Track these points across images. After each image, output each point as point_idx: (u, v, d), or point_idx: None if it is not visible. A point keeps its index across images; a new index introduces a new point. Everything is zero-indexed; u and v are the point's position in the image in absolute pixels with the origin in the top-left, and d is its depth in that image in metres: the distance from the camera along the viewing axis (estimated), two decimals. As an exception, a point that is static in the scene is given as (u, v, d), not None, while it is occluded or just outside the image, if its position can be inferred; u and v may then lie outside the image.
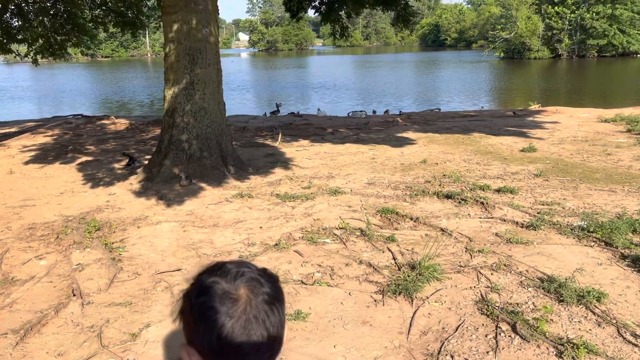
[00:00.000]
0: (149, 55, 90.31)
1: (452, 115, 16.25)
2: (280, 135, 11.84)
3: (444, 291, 3.80)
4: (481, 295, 3.72)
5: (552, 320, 3.34)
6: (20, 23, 14.07)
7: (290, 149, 10.57)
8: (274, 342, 0.92)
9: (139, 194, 7.30)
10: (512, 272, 4.10)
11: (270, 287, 0.93)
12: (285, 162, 9.09)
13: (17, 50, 14.81)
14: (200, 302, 0.90)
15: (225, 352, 0.89)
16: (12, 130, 14.40)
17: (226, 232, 5.59)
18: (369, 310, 3.55)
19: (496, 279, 4.00)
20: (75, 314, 3.70)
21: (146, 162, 8.91)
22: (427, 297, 3.70)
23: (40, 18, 14.06)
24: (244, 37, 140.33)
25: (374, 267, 4.27)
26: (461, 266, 4.26)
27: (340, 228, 5.39)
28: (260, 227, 5.67)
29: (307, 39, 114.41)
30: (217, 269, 0.94)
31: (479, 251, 4.56)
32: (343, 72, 45.02)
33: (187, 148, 7.90)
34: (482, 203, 6.10)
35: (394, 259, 4.47)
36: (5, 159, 10.34)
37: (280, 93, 28.66)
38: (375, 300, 3.68)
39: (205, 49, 7.80)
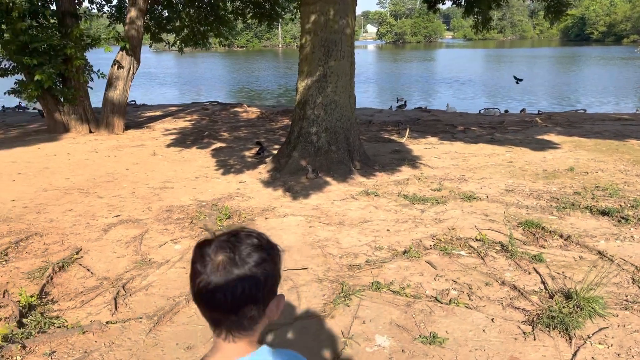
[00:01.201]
0: (280, 46, 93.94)
1: (601, 117, 14.56)
2: (407, 131, 11.42)
3: (609, 331, 3.21)
4: (659, 342, 3.07)
5: None
6: (169, 14, 15.13)
7: (417, 146, 10.12)
8: (234, 304, 1.08)
9: (267, 183, 7.38)
10: (699, 317, 3.36)
11: (248, 262, 1.08)
12: (412, 160, 8.68)
13: (167, 39, 15.96)
14: (192, 260, 1.12)
15: (198, 300, 1.11)
16: (157, 113, 15.62)
17: (352, 231, 5.37)
18: (517, 344, 3.09)
19: (677, 323, 3.30)
20: (205, 305, 3.71)
21: (275, 151, 9.04)
22: (589, 337, 3.14)
23: (187, 9, 15.00)
24: (371, 29, 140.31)
25: (519, 291, 3.76)
26: (629, 301, 3.59)
27: (477, 240, 4.90)
28: (388, 230, 5.37)
29: (437, 32, 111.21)
30: (218, 237, 1.12)
31: (651, 285, 3.84)
32: (473, 66, 42.92)
33: (315, 141, 7.83)
34: (648, 224, 5.22)
35: (544, 283, 3.92)
36: (150, 140, 11.16)
37: (406, 87, 28.02)
38: (524, 333, 3.20)
39: (341, 40, 7.63)
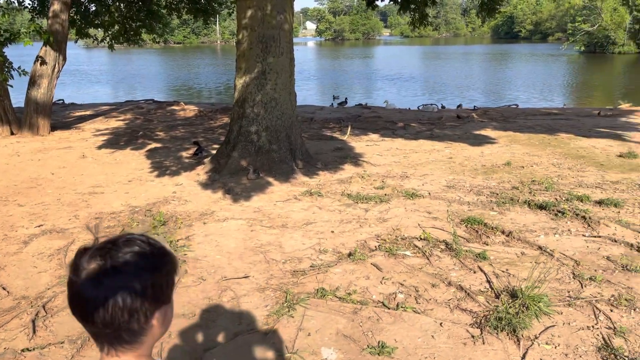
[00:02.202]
0: (219, 42, 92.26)
1: (532, 112, 15.14)
2: (349, 129, 11.36)
3: (555, 330, 3.19)
4: (603, 339, 3.08)
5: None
6: (97, 8, 14.31)
7: (359, 144, 10.07)
8: (106, 317, 0.98)
9: (205, 185, 7.06)
10: (637, 309, 3.42)
11: (123, 271, 0.99)
12: (355, 158, 8.60)
13: (95, 35, 15.11)
14: (69, 264, 1.05)
15: (72, 313, 1.03)
16: (88, 113, 14.77)
17: (295, 234, 5.18)
18: (466, 350, 3.01)
19: (618, 317, 3.34)
20: (136, 323, 3.39)
21: (214, 151, 8.71)
22: (536, 337, 3.11)
23: (117, 4, 14.26)
24: (311, 26, 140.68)
25: (466, 292, 3.71)
26: (571, 297, 3.61)
27: (421, 239, 4.84)
28: (332, 232, 5.23)
29: (375, 29, 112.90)
30: (96, 244, 1.03)
31: (591, 279, 3.89)
32: (411, 63, 43.83)
33: (256, 140, 7.58)
34: (583, 217, 5.35)
35: (489, 282, 3.89)
36: (79, 142, 10.49)
37: (346, 83, 28.14)
38: (473, 336, 3.13)
39: (279, 36, 7.40)
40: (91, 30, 14.60)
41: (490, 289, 3.76)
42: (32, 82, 11.11)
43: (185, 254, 4.64)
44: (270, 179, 7.20)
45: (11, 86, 11.26)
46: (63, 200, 6.49)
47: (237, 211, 5.97)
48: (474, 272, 4.08)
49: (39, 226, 5.52)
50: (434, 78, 30.22)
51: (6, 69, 10.87)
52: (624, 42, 52.44)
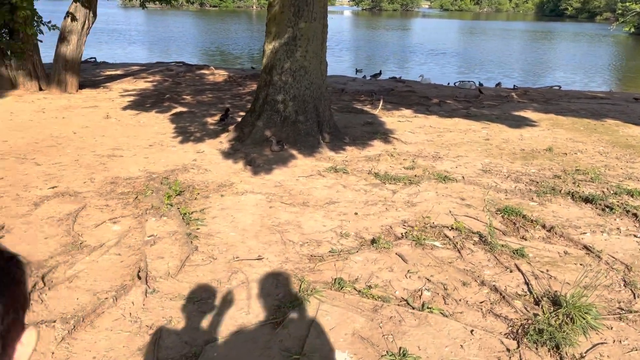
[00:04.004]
0: (255, 7, 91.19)
1: (576, 95, 14.28)
2: (381, 102, 10.85)
3: (604, 348, 2.79)
4: (661, 364, 2.68)
5: None
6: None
7: (391, 119, 9.59)
8: None
9: (227, 155, 6.76)
10: (701, 330, 2.98)
11: None
12: (385, 134, 8.15)
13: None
14: None
15: None
16: (118, 72, 14.60)
17: (316, 214, 4.84)
18: (500, 365, 2.64)
19: (678, 338, 2.91)
20: (136, 304, 3.13)
21: (239, 118, 8.38)
22: (582, 356, 2.71)
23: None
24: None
25: (501, 294, 3.31)
26: (623, 310, 3.19)
27: (453, 228, 4.43)
28: (356, 213, 4.86)
29: (414, 1, 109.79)
30: None
31: (644, 289, 3.44)
32: (449, 37, 42.35)
33: (282, 110, 7.20)
34: (634, 215, 4.85)
35: (527, 283, 3.48)
36: (105, 102, 10.30)
37: (380, 55, 27.30)
38: (508, 350, 2.75)
39: (313, 0, 6.93)
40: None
41: (528, 293, 3.35)
42: (62, 38, 10.91)
43: (198, 229, 4.36)
44: (294, 152, 6.85)
45: (41, 41, 11.09)
46: (81, 161, 6.29)
47: (257, 184, 5.66)
48: (511, 271, 3.67)
49: (52, 187, 5.31)
50: (473, 54, 29.06)
51: (35, 24, 10.67)
52: (679, 25, 49.55)
